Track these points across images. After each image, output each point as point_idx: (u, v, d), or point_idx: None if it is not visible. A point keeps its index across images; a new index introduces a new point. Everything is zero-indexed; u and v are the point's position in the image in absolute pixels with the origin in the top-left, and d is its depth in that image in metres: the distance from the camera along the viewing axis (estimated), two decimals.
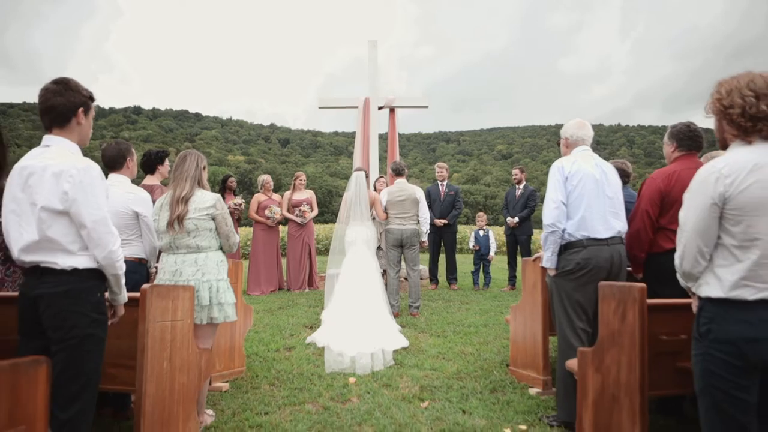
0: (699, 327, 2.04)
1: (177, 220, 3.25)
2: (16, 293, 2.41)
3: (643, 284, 2.71)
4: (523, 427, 3.36)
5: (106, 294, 2.39)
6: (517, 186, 8.58)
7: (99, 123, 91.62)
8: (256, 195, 8.52)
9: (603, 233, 3.30)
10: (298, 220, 8.40)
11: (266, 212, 8.17)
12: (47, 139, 2.28)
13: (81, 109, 2.31)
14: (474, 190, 66.30)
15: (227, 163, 77.10)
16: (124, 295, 2.47)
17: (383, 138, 10.50)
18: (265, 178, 8.62)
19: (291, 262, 8.50)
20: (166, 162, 4.80)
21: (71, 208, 2.15)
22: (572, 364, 3.17)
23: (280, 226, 8.99)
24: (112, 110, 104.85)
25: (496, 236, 9.50)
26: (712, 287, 1.99)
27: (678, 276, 2.18)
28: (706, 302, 2.02)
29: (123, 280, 2.40)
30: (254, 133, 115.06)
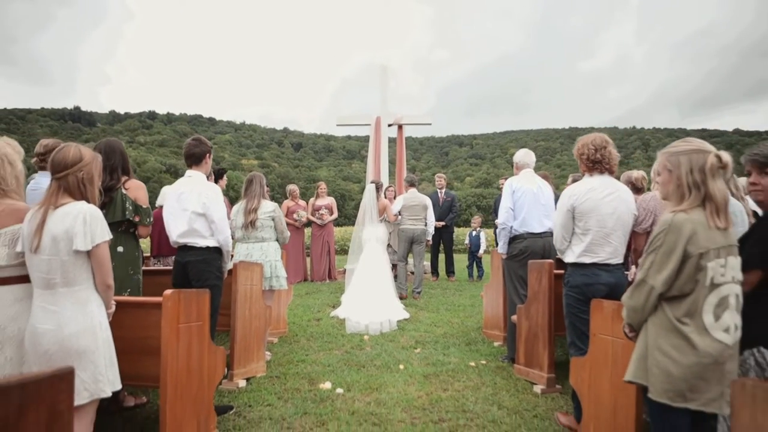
0: (564, 279, 3.57)
1: (250, 224, 4.85)
2: (168, 268, 4.02)
3: (551, 260, 4.25)
4: (484, 362, 4.89)
5: None
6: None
7: (115, 128, 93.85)
8: (285, 201, 10.14)
9: (538, 229, 4.82)
10: (318, 221, 10.01)
11: (294, 216, 9.77)
12: (189, 172, 3.90)
13: (208, 155, 3.92)
14: (487, 194, 66.28)
15: (241, 167, 78.22)
16: (228, 265, 4.07)
17: (393, 141, 12.02)
18: (292, 187, 10.24)
19: (314, 258, 10.11)
20: (225, 177, 6.44)
21: (206, 212, 3.75)
22: (515, 317, 4.70)
23: (305, 228, 10.59)
24: (127, 115, 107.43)
25: (487, 236, 11.02)
26: (569, 256, 3.51)
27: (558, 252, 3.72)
28: (568, 265, 3.55)
29: (229, 256, 3.99)
30: (267, 137, 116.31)
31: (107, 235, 2.46)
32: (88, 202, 2.49)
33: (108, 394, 2.46)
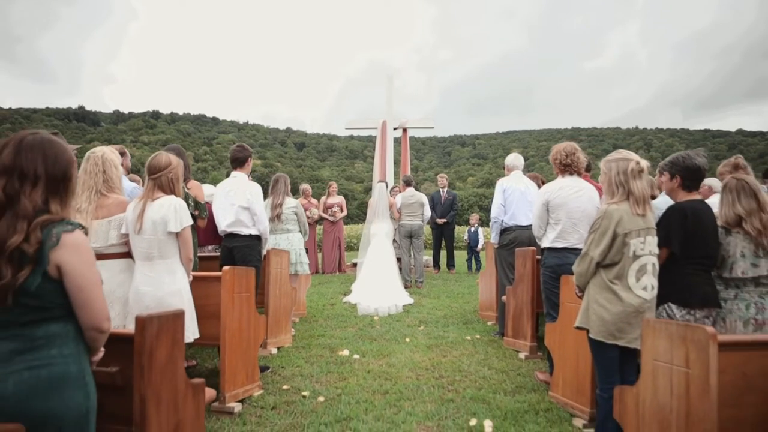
0: (541, 261, 4.37)
1: (276, 217, 5.67)
2: (215, 254, 4.86)
3: (533, 248, 5.06)
4: (478, 336, 5.71)
5: None
6: None
7: (119, 128, 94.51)
8: (298, 199, 10.96)
9: (524, 222, 5.61)
10: (330, 218, 10.85)
11: (307, 213, 10.60)
12: (234, 173, 4.73)
13: (249, 158, 4.74)
14: (489, 194, 65.98)
15: None
16: (265, 250, 4.88)
17: (398, 142, 12.85)
18: (305, 186, 11.09)
19: (325, 251, 10.95)
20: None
21: (250, 206, 4.57)
22: (504, 297, 5.50)
23: (316, 224, 11.42)
24: (131, 115, 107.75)
25: (485, 232, 11.83)
26: (545, 242, 4.31)
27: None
28: (544, 249, 4.35)
29: (267, 243, 4.81)
30: (270, 137, 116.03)
31: (191, 221, 3.28)
32: (176, 195, 3.31)
33: (191, 340, 3.28)
